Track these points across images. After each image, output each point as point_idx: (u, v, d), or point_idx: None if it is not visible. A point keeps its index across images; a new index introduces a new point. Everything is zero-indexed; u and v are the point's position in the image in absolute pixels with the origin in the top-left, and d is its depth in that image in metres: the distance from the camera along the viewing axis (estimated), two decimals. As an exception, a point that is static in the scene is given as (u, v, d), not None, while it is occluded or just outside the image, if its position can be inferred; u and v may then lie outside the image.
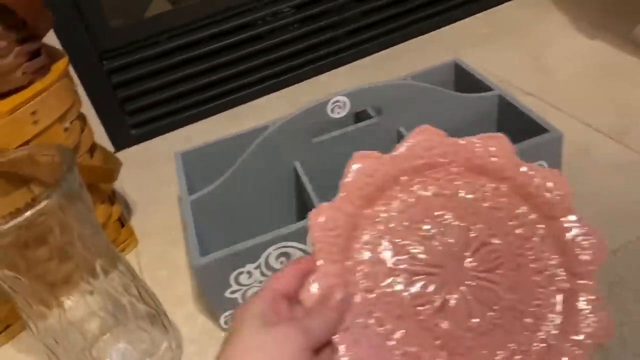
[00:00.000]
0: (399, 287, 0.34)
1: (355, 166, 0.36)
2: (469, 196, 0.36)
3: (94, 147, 0.67)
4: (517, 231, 0.35)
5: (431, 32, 1.08)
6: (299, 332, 0.30)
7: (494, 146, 0.37)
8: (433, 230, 0.35)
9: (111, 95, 0.92)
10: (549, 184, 0.36)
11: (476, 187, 0.37)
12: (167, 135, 0.97)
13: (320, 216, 0.35)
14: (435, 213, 0.36)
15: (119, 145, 0.95)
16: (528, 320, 0.33)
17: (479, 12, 1.10)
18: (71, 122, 0.62)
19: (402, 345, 0.33)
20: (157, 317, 0.55)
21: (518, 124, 0.63)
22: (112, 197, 0.72)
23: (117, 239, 0.71)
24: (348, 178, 0.36)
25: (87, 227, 0.47)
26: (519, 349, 0.33)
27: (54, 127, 0.59)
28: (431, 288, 0.34)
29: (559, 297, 0.34)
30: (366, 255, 0.35)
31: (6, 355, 0.62)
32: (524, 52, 0.96)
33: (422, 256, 0.35)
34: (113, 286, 0.50)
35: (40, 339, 0.49)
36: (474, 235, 0.35)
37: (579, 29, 0.99)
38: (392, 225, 0.35)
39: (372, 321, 0.33)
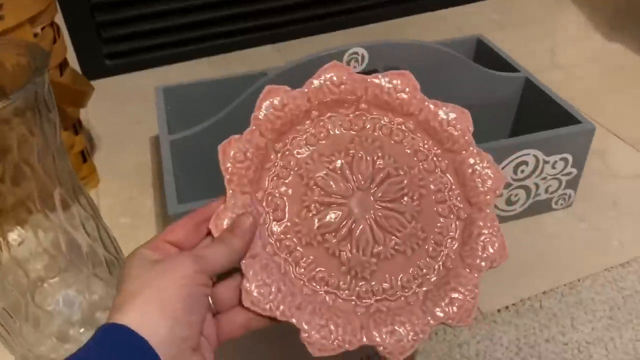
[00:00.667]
0: (308, 216, 0.36)
1: (266, 100, 0.36)
2: (377, 132, 0.38)
3: (64, 64, 0.58)
4: (422, 165, 0.38)
5: (435, 11, 1.02)
6: (187, 258, 0.31)
7: (400, 83, 0.38)
8: (341, 164, 0.37)
9: (88, 18, 0.82)
10: (452, 120, 0.38)
11: (383, 123, 0.38)
12: (143, 72, 0.88)
13: (230, 147, 0.35)
14: (344, 147, 0.37)
15: (90, 74, 0.85)
16: (429, 246, 0.36)
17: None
18: (42, 29, 0.53)
19: (309, 271, 0.35)
20: (116, 266, 0.47)
21: (543, 111, 0.58)
22: (77, 126, 0.63)
23: (77, 175, 0.62)
24: (259, 112, 0.36)
25: (50, 148, 0.39)
26: (420, 273, 0.36)
27: (22, 29, 0.50)
28: (338, 217, 0.36)
29: (459, 224, 0.37)
30: (276, 186, 0.36)
31: None
32: (539, 44, 0.92)
33: (330, 188, 0.36)
34: (71, 222, 0.42)
35: (-26, 273, 0.41)
36: (380, 167, 0.37)
37: (596, 29, 0.95)
38: (301, 157, 0.37)
39: (280, 249, 0.35)
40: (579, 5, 1.03)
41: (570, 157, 0.54)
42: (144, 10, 0.84)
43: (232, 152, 0.35)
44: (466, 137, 0.37)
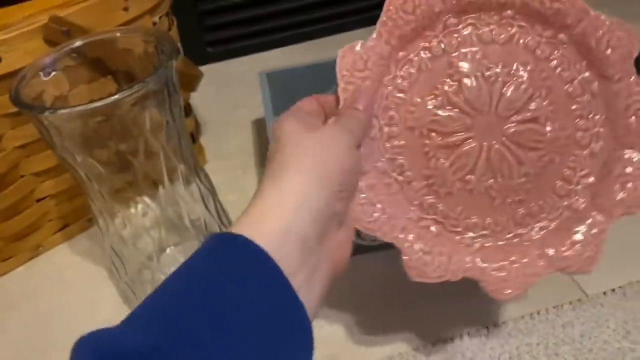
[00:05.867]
0: (437, 164, 0.33)
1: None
2: (520, 42, 0.34)
3: (177, 51, 0.62)
4: (536, 53, 0.34)
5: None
6: (344, 131, 0.30)
7: None
8: (448, 97, 0.33)
9: (191, 7, 0.87)
10: (614, 39, 0.32)
11: (532, 35, 0.34)
12: (241, 58, 0.92)
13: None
14: (445, 75, 0.34)
15: (193, 61, 0.90)
16: (576, 138, 0.33)
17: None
18: (160, 18, 0.57)
19: (462, 220, 0.33)
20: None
21: None
22: (188, 109, 0.67)
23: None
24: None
25: (176, 127, 0.42)
26: (575, 174, 0.33)
27: (143, 19, 0.54)
28: (470, 153, 0.33)
29: (599, 102, 0.33)
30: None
31: (62, 255, 0.59)
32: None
33: (447, 127, 0.33)
34: (192, 196, 0.46)
35: (107, 239, 0.45)
36: (492, 80, 0.33)
37: None
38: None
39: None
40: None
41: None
42: (244, -2, 0.87)
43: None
44: (577, 5, 0.33)
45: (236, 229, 0.27)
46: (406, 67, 0.34)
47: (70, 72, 0.45)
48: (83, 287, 0.55)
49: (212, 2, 0.87)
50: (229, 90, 0.84)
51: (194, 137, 0.69)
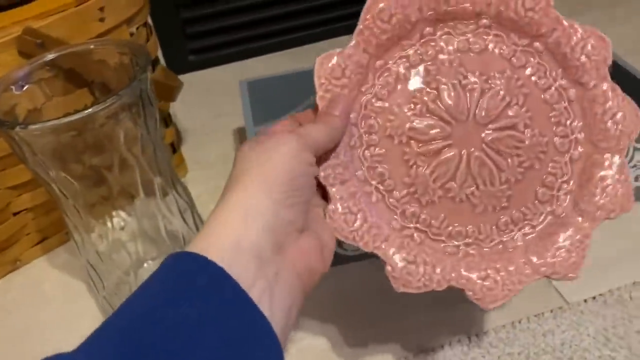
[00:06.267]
0: (418, 172, 0.34)
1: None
2: (496, 50, 0.34)
3: (156, 61, 0.62)
4: (511, 61, 0.34)
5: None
6: (291, 136, 0.30)
7: None
8: (427, 104, 0.34)
9: (173, 15, 0.86)
10: (588, 47, 0.33)
11: (507, 44, 0.34)
12: (224, 66, 0.92)
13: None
14: (426, 83, 0.34)
15: (175, 70, 0.89)
16: (555, 143, 0.33)
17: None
18: (137, 28, 0.57)
19: (444, 228, 0.33)
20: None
21: (631, 96, 0.56)
22: (168, 120, 0.67)
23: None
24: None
25: (152, 139, 0.42)
26: (556, 179, 0.33)
27: (120, 29, 0.53)
28: (450, 160, 0.33)
29: (574, 109, 0.33)
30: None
31: (40, 268, 0.58)
32: (627, 24, 0.87)
33: (426, 135, 0.33)
34: (169, 209, 0.45)
35: (84, 254, 0.45)
36: (470, 88, 0.34)
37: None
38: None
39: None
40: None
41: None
42: (226, 6, 0.87)
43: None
44: (550, 15, 0.33)
45: (190, 248, 0.27)
46: (385, 75, 0.34)
47: (45, 85, 0.44)
48: (62, 300, 0.55)
49: (194, 10, 0.87)
50: (211, 99, 0.84)
51: (175, 147, 0.68)
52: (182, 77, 0.85)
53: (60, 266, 0.58)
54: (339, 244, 0.51)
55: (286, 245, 0.29)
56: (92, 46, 0.43)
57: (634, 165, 0.53)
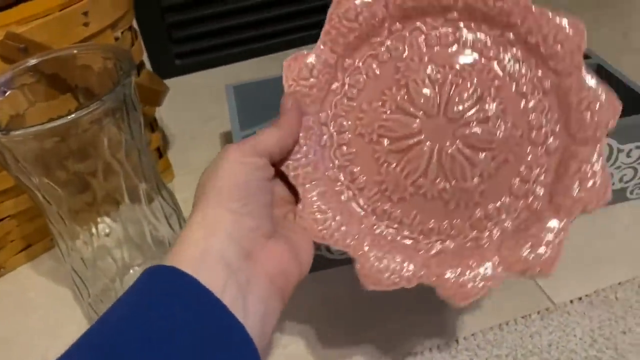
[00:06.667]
0: (388, 170, 0.33)
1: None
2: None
3: (141, 65, 0.62)
4: (482, 52, 0.33)
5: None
6: (238, 145, 0.31)
7: None
8: (396, 102, 0.33)
9: (159, 20, 0.86)
10: (560, 34, 0.31)
11: (478, 36, 0.33)
12: (211, 70, 0.91)
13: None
14: (392, 83, 0.33)
15: (161, 74, 0.88)
16: (530, 136, 0.32)
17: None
18: (122, 33, 0.56)
19: (416, 226, 0.33)
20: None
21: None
22: (154, 124, 0.66)
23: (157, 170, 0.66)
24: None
25: (136, 145, 0.42)
26: (531, 172, 0.32)
27: (105, 34, 0.53)
28: (421, 156, 0.33)
29: (549, 102, 0.32)
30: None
31: (25, 275, 0.58)
32: (611, 27, 0.88)
33: (396, 132, 0.33)
34: (155, 214, 0.45)
35: (69, 261, 0.44)
36: (439, 82, 0.33)
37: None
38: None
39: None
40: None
41: (646, 145, 0.52)
42: (212, 10, 0.87)
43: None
44: (520, 3, 0.32)
45: (163, 261, 0.28)
46: (354, 74, 0.34)
47: (28, 90, 0.44)
48: (47, 308, 0.54)
49: (181, 14, 0.87)
50: (198, 103, 0.83)
51: (161, 152, 0.68)
52: (168, 82, 0.85)
53: (45, 273, 0.58)
54: (328, 248, 0.50)
55: (254, 251, 0.29)
56: (75, 51, 0.43)
57: (619, 167, 0.53)
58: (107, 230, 0.44)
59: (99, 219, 0.43)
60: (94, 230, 0.43)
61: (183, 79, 0.90)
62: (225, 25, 0.88)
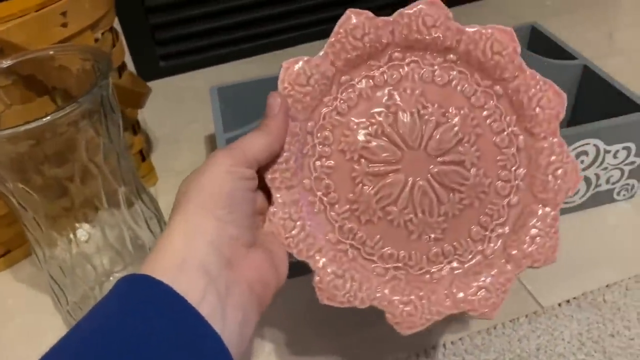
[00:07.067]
0: (363, 191, 0.34)
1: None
2: (459, 87, 0.35)
3: (123, 67, 0.60)
4: (472, 100, 0.35)
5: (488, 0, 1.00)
6: (220, 152, 0.30)
7: (430, 14, 0.34)
8: (382, 126, 0.34)
9: (142, 21, 0.85)
10: (496, 45, 0.34)
11: (469, 83, 0.35)
12: (195, 72, 0.90)
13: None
14: (383, 105, 0.34)
15: (145, 76, 0.88)
16: (496, 189, 0.34)
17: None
18: (103, 34, 0.55)
19: (377, 250, 0.34)
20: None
21: (603, 99, 0.56)
22: (136, 127, 0.65)
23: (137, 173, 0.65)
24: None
25: (115, 148, 0.41)
26: (490, 220, 0.34)
27: (84, 35, 0.51)
28: (395, 185, 0.34)
29: (522, 155, 0.34)
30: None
31: (4, 282, 0.56)
32: (596, 29, 0.88)
33: (378, 156, 0.34)
34: (135, 220, 0.44)
35: (46, 269, 0.43)
36: (426, 118, 0.34)
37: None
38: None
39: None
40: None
41: (633, 146, 0.52)
42: (196, 11, 0.86)
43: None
44: (515, 63, 0.34)
45: (141, 268, 0.27)
46: (348, 91, 0.35)
47: (3, 92, 0.43)
48: (26, 315, 0.53)
49: (164, 15, 0.86)
50: (182, 105, 0.82)
51: (144, 155, 0.66)
52: (152, 84, 0.84)
53: (24, 279, 0.56)
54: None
55: (235, 260, 0.29)
56: (52, 52, 0.42)
57: (605, 168, 0.53)
58: (85, 237, 0.43)
59: (77, 225, 0.42)
60: (72, 236, 0.42)
61: (167, 81, 0.89)
62: (210, 27, 0.87)
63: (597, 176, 0.54)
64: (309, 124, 0.34)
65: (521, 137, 0.35)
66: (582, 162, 0.52)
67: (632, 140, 0.52)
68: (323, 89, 0.34)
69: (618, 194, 0.56)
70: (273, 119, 0.32)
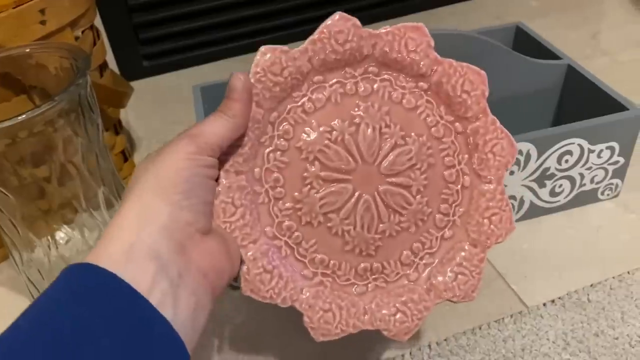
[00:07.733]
0: (310, 193, 0.34)
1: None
2: (386, 98, 0.35)
3: (104, 66, 0.59)
4: (432, 130, 0.35)
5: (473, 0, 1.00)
6: (182, 140, 0.29)
7: (413, 38, 0.34)
8: (344, 134, 0.34)
9: (126, 20, 0.84)
10: (466, 84, 0.35)
11: (394, 86, 0.35)
12: (179, 72, 0.89)
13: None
14: (348, 116, 0.34)
15: (128, 75, 0.87)
16: (434, 220, 0.36)
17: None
18: (83, 32, 0.54)
19: (310, 253, 0.34)
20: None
21: (587, 99, 0.56)
22: (118, 127, 0.64)
23: (119, 174, 0.64)
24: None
25: (94, 148, 0.40)
26: (423, 248, 0.36)
27: (64, 33, 0.51)
28: (341, 195, 0.34)
29: (465, 193, 0.36)
30: (275, 161, 0.34)
31: (-18, 286, 0.55)
32: (581, 29, 0.89)
33: (332, 162, 0.34)
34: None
35: (24, 272, 0.42)
36: (386, 137, 0.35)
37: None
38: (300, 128, 0.34)
39: (281, 231, 0.34)
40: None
41: (616, 146, 0.52)
42: (179, 10, 0.85)
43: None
44: (481, 105, 0.35)
45: (88, 256, 0.27)
46: (318, 91, 0.35)
47: (-21, 91, 0.42)
48: (4, 320, 0.51)
49: (148, 14, 0.85)
50: (166, 105, 0.81)
51: (127, 155, 0.65)
52: (136, 83, 0.83)
53: (3, 282, 0.55)
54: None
55: (189, 246, 0.29)
56: (28, 50, 0.41)
57: (589, 167, 0.53)
58: (64, 239, 0.42)
59: (55, 227, 0.41)
60: (50, 239, 0.41)
61: (151, 81, 0.88)
62: (194, 26, 0.87)
63: (582, 176, 0.54)
64: (273, 114, 0.34)
65: (467, 177, 0.36)
66: (566, 161, 0.52)
67: (616, 140, 0.52)
68: (294, 84, 0.34)
69: (602, 193, 0.56)
70: (238, 101, 0.31)
